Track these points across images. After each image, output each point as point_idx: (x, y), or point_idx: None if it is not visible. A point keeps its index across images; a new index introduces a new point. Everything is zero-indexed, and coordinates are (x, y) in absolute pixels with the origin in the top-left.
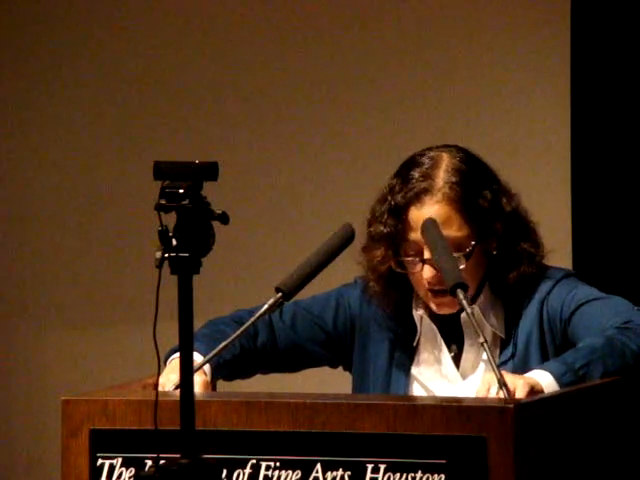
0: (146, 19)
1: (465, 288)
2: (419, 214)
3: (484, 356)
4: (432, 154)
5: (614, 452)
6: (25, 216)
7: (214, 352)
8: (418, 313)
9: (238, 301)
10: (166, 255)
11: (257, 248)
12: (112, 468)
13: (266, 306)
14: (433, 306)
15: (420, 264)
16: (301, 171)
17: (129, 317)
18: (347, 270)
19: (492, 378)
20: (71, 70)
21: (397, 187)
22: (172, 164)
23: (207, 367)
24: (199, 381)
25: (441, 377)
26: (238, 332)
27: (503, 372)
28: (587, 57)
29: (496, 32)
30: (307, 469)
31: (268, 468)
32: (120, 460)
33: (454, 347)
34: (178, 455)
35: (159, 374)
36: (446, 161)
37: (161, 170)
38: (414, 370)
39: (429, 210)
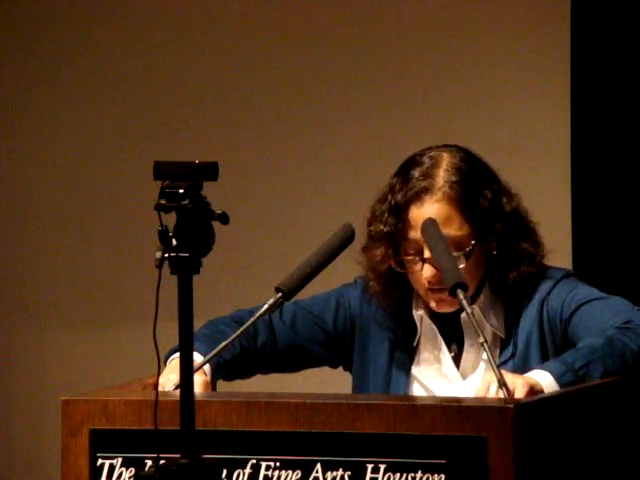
0: (146, 19)
1: (465, 288)
2: (419, 213)
3: (484, 356)
4: (432, 154)
5: (614, 452)
6: (25, 216)
7: (214, 352)
8: (418, 313)
9: (238, 301)
10: (166, 255)
11: (257, 248)
12: (112, 468)
13: (266, 306)
14: (433, 304)
15: (420, 263)
16: (301, 171)
17: (129, 317)
18: (347, 270)
19: (492, 377)
20: (71, 70)
21: (397, 186)
22: (172, 164)
23: (207, 367)
24: (199, 381)
25: (441, 377)
26: (238, 332)
27: (503, 371)
28: (587, 57)
29: (496, 32)
30: (307, 469)
31: (268, 468)
32: (120, 460)
33: (454, 347)
34: (178, 455)
35: (159, 374)
36: (446, 160)
37: (161, 170)
38: (414, 370)
39: (429, 209)
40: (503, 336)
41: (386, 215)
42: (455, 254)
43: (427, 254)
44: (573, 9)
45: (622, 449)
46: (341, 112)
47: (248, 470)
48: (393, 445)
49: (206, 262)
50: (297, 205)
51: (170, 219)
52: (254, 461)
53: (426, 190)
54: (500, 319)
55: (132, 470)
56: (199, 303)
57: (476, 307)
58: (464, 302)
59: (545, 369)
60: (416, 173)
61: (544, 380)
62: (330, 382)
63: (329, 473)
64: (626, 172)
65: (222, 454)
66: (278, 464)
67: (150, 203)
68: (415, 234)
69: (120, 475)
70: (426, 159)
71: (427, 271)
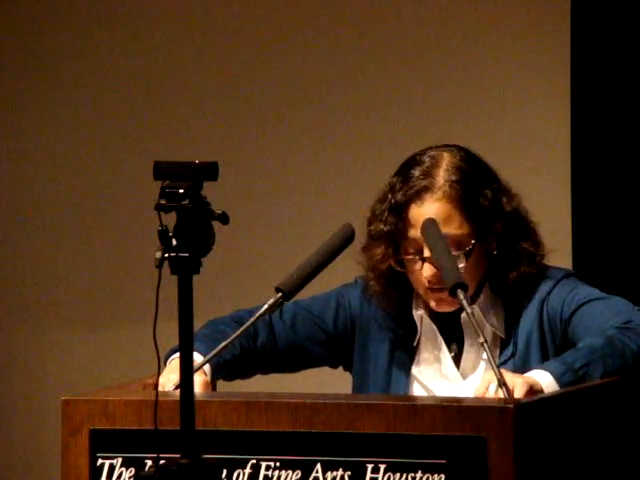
0: (146, 19)
1: (465, 288)
2: (419, 212)
3: (484, 356)
4: (433, 153)
5: (614, 452)
6: (25, 216)
7: (214, 352)
8: (418, 313)
9: (238, 301)
10: (166, 255)
11: (257, 248)
12: (112, 468)
13: (266, 306)
14: (432, 304)
15: (420, 262)
16: (301, 171)
17: (129, 317)
18: (347, 270)
19: (491, 377)
20: (71, 70)
21: (397, 185)
22: (172, 164)
23: (207, 367)
24: (199, 381)
25: (441, 377)
26: (238, 332)
27: (502, 371)
28: (587, 57)
29: (496, 32)
30: (307, 469)
31: (268, 468)
32: (120, 460)
33: (454, 347)
34: (178, 455)
35: (159, 374)
36: (447, 160)
37: (161, 170)
38: (414, 370)
39: (429, 208)
40: (503, 336)
41: (386, 214)
42: (455, 253)
43: (427, 253)
44: (573, 9)
45: (622, 449)
46: (341, 112)
47: (248, 470)
48: (393, 445)
49: (206, 262)
50: (297, 205)
51: (170, 219)
52: (254, 461)
53: (426, 189)
54: (500, 319)
55: (132, 470)
56: (199, 303)
57: (476, 307)
58: (464, 302)
59: (545, 369)
60: (416, 172)
61: (544, 380)
62: (330, 382)
63: (329, 473)
64: (626, 172)
65: (222, 454)
66: (278, 464)
67: (150, 203)
68: (415, 233)
69: (120, 475)
70: (426, 158)
71: (427, 270)
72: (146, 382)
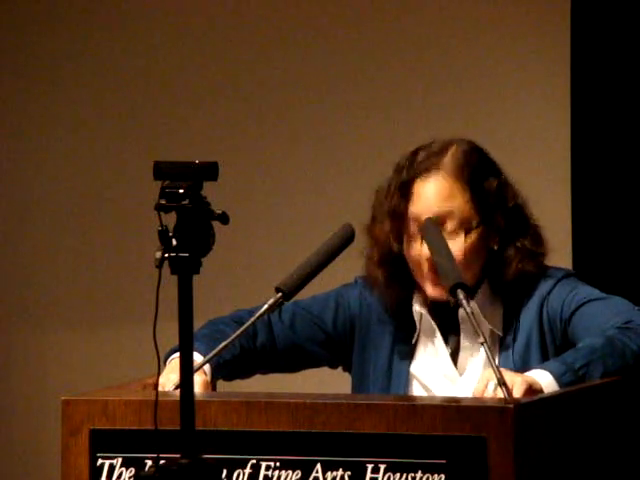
0: (146, 19)
1: (465, 288)
2: (424, 186)
3: (483, 353)
4: (441, 141)
5: (614, 452)
6: (25, 216)
7: (214, 352)
8: (418, 310)
9: (238, 301)
10: (166, 255)
11: (257, 248)
12: (112, 468)
13: (266, 306)
14: (429, 289)
15: (420, 240)
16: (301, 171)
17: (129, 317)
18: (347, 270)
19: (490, 375)
20: (71, 70)
21: (404, 165)
22: (172, 164)
23: (207, 367)
24: (199, 381)
25: (440, 374)
26: (238, 332)
27: (502, 370)
28: (587, 57)
29: (496, 32)
30: (307, 469)
31: (268, 468)
32: (120, 460)
33: (452, 343)
34: (178, 455)
35: (159, 374)
36: (455, 147)
37: (161, 170)
38: (413, 368)
39: (434, 182)
40: (501, 333)
41: (391, 192)
42: (455, 229)
43: None
44: (573, 9)
45: (622, 449)
46: (341, 112)
47: (248, 470)
48: (393, 445)
49: (206, 262)
50: (297, 205)
51: (170, 219)
52: (254, 461)
53: (433, 166)
54: (498, 317)
55: (132, 470)
56: (199, 303)
57: (473, 302)
58: (464, 302)
59: (545, 369)
60: (424, 153)
61: (544, 380)
62: (330, 382)
63: (329, 473)
64: (626, 172)
65: (222, 454)
66: (278, 464)
67: (150, 203)
68: (416, 209)
69: (120, 475)
70: (434, 145)
71: (427, 249)
72: (146, 382)
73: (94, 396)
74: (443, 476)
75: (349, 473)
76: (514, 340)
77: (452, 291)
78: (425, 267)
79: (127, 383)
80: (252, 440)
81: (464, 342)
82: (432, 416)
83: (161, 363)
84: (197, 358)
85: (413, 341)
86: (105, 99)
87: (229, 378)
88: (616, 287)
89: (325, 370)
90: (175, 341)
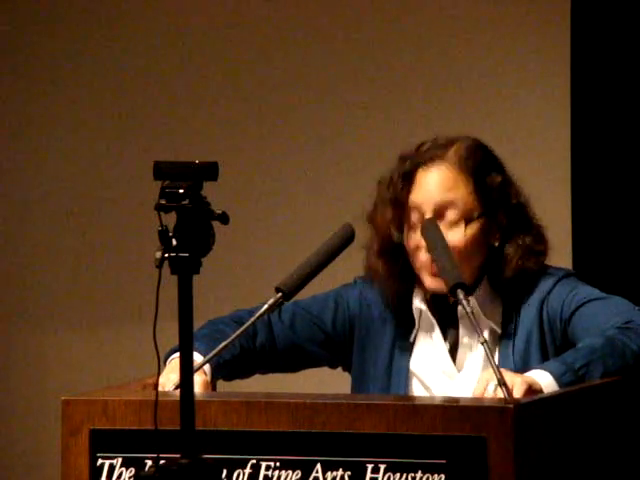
0: (146, 19)
1: (465, 288)
2: (426, 175)
3: (481, 349)
4: (446, 137)
5: (614, 452)
6: (25, 216)
7: (214, 352)
8: (417, 306)
9: (238, 301)
10: (166, 255)
11: (257, 248)
12: (112, 468)
13: (266, 306)
14: (428, 280)
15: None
16: (301, 171)
17: (129, 317)
18: (347, 270)
19: (489, 376)
20: (71, 70)
21: (407, 155)
22: (172, 164)
23: (207, 367)
24: (199, 381)
25: (438, 371)
26: (238, 332)
27: (502, 370)
28: (587, 57)
29: (496, 32)
30: (307, 469)
31: (268, 468)
32: (120, 460)
33: (451, 339)
34: (178, 455)
35: (159, 374)
36: (460, 142)
37: (161, 170)
38: (412, 365)
39: (437, 172)
40: (499, 331)
41: (394, 180)
42: (456, 219)
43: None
44: (573, 9)
45: (622, 449)
46: (341, 112)
47: (248, 470)
48: (393, 445)
49: (206, 262)
50: (297, 205)
51: (170, 219)
52: (254, 461)
53: (437, 157)
54: (498, 314)
55: (132, 470)
56: (199, 303)
57: (473, 300)
58: (464, 302)
59: (545, 369)
60: (428, 144)
61: (544, 380)
62: (330, 382)
63: (329, 473)
64: (626, 172)
65: (222, 454)
66: (278, 464)
67: (150, 203)
68: (419, 198)
69: (120, 475)
70: (439, 139)
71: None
72: (146, 382)
73: (94, 396)
74: (443, 476)
75: (349, 473)
76: (514, 338)
77: (452, 291)
78: (424, 257)
79: (127, 383)
80: (252, 440)
81: (463, 338)
82: (432, 416)
83: (161, 363)
84: (197, 358)
85: (412, 339)
86: (105, 99)
87: (229, 378)
88: (616, 287)
89: (325, 370)
90: (175, 341)
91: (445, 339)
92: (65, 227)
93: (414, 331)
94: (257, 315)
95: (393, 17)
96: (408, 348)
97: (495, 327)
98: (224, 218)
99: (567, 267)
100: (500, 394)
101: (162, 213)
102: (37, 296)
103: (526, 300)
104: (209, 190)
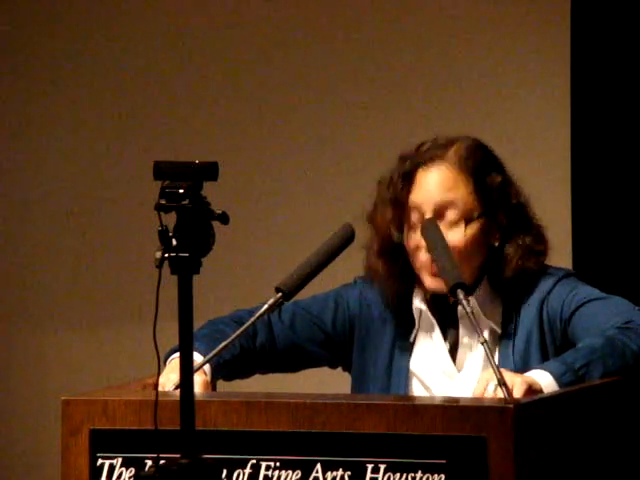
0: (146, 19)
1: (465, 288)
2: (426, 175)
3: (481, 349)
4: (446, 137)
5: (614, 452)
6: (25, 216)
7: (214, 352)
8: (417, 306)
9: (238, 301)
10: (166, 255)
11: (257, 248)
12: (112, 468)
13: (266, 306)
14: (428, 280)
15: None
16: (301, 171)
17: (129, 317)
18: (347, 270)
19: (489, 376)
20: (71, 70)
21: (407, 154)
22: (172, 164)
23: (207, 367)
24: (199, 381)
25: (438, 371)
26: (238, 332)
27: (502, 370)
28: (587, 57)
29: (496, 32)
30: (307, 469)
31: (268, 468)
32: (120, 460)
33: (451, 339)
34: (178, 455)
35: (159, 374)
36: (460, 142)
37: (161, 170)
38: (412, 365)
39: (437, 172)
40: (499, 331)
41: (394, 180)
42: (456, 219)
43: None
44: (573, 9)
45: (622, 449)
46: (341, 112)
47: (248, 470)
48: (393, 445)
49: (206, 262)
50: (297, 205)
51: (170, 219)
52: (254, 461)
53: (437, 157)
54: (498, 314)
55: (132, 470)
56: (199, 303)
57: (473, 300)
58: (464, 302)
59: (545, 369)
60: (428, 144)
61: (544, 380)
62: (330, 382)
63: (329, 473)
64: (626, 172)
65: (222, 454)
66: (278, 464)
67: (150, 203)
68: (419, 198)
69: (120, 475)
70: (439, 139)
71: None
72: (146, 382)
73: (94, 396)
74: (443, 476)
75: (349, 473)
76: (514, 338)
77: (452, 291)
78: (424, 257)
79: (127, 383)
80: (252, 440)
81: (463, 338)
82: (432, 416)
83: (161, 363)
84: (197, 358)
85: (412, 339)
86: (105, 99)
87: (229, 378)
88: (616, 287)
89: (325, 370)
90: (175, 341)
91: (445, 339)
92: (65, 227)
93: (414, 331)
94: (257, 315)
95: (393, 17)
96: (408, 348)
97: (495, 327)
98: (224, 218)
99: (567, 267)
100: (500, 394)
101: (162, 213)
102: (37, 296)
103: (526, 300)
104: (209, 190)
